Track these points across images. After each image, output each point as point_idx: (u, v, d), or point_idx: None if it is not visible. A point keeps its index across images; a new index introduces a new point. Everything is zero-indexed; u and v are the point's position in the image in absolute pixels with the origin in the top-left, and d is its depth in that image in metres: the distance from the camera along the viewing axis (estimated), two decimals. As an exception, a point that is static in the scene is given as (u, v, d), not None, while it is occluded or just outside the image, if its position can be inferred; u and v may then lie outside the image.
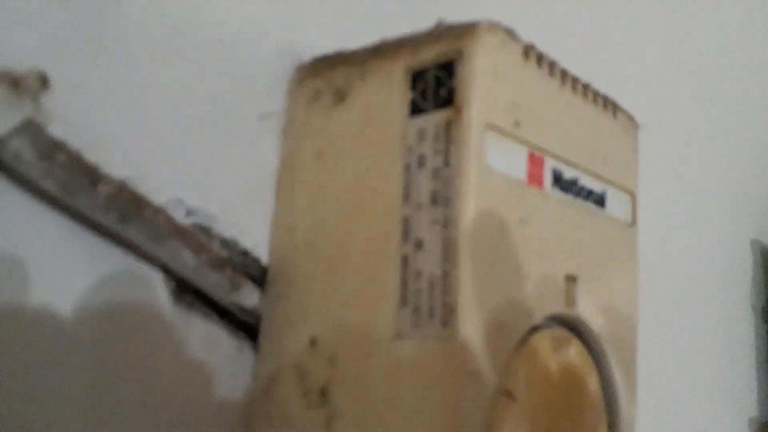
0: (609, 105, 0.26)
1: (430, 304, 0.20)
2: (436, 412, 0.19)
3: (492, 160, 0.20)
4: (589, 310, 0.24)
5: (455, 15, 0.31)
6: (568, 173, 0.24)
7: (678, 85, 0.53)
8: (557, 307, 0.23)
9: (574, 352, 0.24)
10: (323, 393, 0.22)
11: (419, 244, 0.20)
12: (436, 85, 0.21)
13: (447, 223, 0.20)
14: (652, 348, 0.46)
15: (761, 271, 0.70)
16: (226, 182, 0.25)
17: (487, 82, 0.20)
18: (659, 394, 0.48)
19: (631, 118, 0.28)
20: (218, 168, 0.24)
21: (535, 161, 0.22)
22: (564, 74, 0.24)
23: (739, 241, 0.66)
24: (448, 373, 0.19)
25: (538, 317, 0.22)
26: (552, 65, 0.23)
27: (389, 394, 0.20)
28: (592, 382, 0.24)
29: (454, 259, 0.19)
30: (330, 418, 0.21)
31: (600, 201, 0.25)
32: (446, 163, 0.20)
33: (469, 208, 0.20)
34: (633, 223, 0.27)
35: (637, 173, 0.28)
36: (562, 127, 0.24)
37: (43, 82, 0.18)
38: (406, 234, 0.21)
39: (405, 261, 0.20)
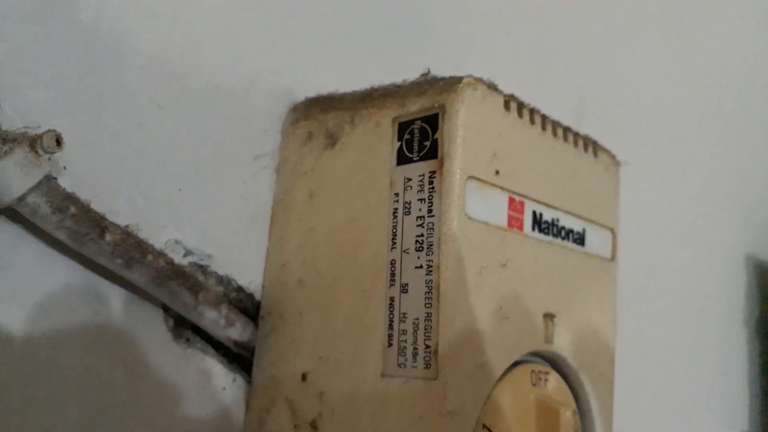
0: (590, 145, 0.28)
1: (414, 345, 0.22)
2: (419, 447, 0.21)
3: (472, 208, 0.22)
4: (567, 345, 0.26)
5: (446, 56, 0.33)
6: (548, 215, 0.26)
7: (673, 101, 0.55)
8: (536, 344, 0.25)
9: (553, 385, 0.26)
10: (313, 426, 0.24)
11: (405, 288, 0.22)
12: (421, 136, 0.23)
13: (430, 269, 0.22)
14: (645, 360, 0.48)
15: (755, 286, 0.72)
16: (221, 221, 0.27)
17: (468, 135, 0.22)
18: (651, 407, 0.50)
19: (612, 157, 0.30)
20: (214, 208, 0.26)
21: (515, 206, 0.24)
22: (544, 120, 0.26)
23: (733, 256, 0.68)
24: (430, 411, 0.21)
25: (517, 354, 0.24)
26: (532, 113, 0.25)
27: (376, 428, 0.22)
28: (570, 415, 0.26)
29: (437, 303, 0.21)
30: (320, 449, 0.23)
31: (579, 239, 0.27)
32: (429, 211, 0.22)
33: (450, 254, 0.22)
34: (613, 258, 0.29)
35: (617, 209, 0.30)
36: (543, 171, 0.26)
37: (58, 141, 0.20)
38: (392, 277, 0.23)
39: (391, 303, 0.22)
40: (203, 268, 0.26)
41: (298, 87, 0.29)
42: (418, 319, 0.22)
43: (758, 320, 0.73)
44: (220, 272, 0.26)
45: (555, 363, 0.26)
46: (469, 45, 0.38)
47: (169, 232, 0.25)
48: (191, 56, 0.26)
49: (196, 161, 0.26)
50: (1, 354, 0.21)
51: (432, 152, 0.23)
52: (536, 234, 0.25)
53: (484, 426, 0.22)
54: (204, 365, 0.26)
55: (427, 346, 0.21)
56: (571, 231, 0.27)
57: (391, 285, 0.23)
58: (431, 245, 0.22)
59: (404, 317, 0.22)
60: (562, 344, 0.26)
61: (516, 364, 0.24)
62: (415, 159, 0.23)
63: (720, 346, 0.65)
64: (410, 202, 0.23)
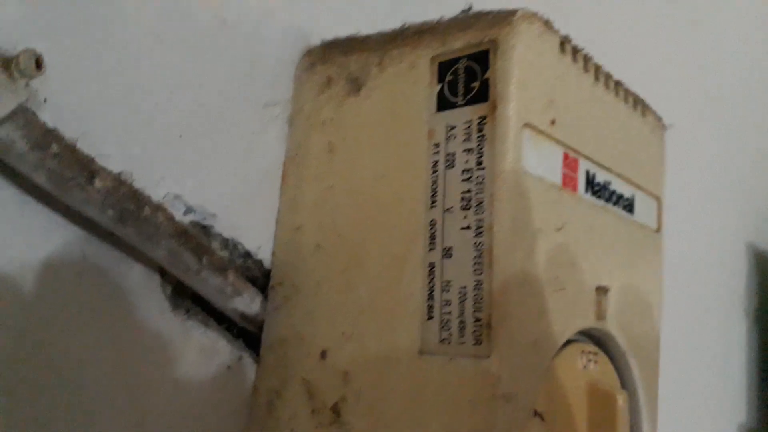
0: (639, 104, 0.26)
1: (460, 318, 0.19)
2: (464, 436, 0.18)
3: (528, 161, 0.19)
4: (618, 324, 0.23)
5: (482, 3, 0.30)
6: (601, 177, 0.23)
7: (677, 89, 0.53)
8: (588, 321, 0.22)
9: (602, 368, 0.23)
10: (335, 410, 0.20)
11: (448, 252, 0.19)
12: (467, 77, 0.20)
13: (480, 230, 0.19)
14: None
15: (755, 274, 0.71)
16: (227, 177, 0.23)
17: (524, 76, 0.19)
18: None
19: (659, 119, 0.27)
20: (219, 161, 0.23)
21: (569, 163, 0.21)
22: (598, 70, 0.23)
23: (734, 244, 0.67)
24: (481, 395, 0.18)
25: (571, 331, 0.21)
26: (587, 59, 0.22)
27: (411, 414, 0.19)
28: (618, 401, 0.23)
29: (489, 269, 0.18)
30: (343, 438, 0.20)
31: (629, 206, 0.25)
32: (479, 163, 0.19)
33: (506, 213, 0.19)
34: (659, 228, 0.27)
35: (663, 177, 0.27)
36: (596, 126, 0.23)
37: (38, 63, 0.16)
38: (432, 240, 0.20)
39: (431, 269, 0.19)
40: (206, 229, 0.22)
41: (315, 27, 0.25)
42: (465, 287, 0.19)
43: (757, 310, 0.71)
44: (226, 234, 0.23)
45: (603, 343, 0.23)
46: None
47: (167, 184, 0.21)
48: (195, -17, 0.22)
49: (198, 105, 0.22)
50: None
51: (481, 95, 0.20)
52: (589, 197, 0.22)
53: (536, 413, 0.19)
54: (206, 340, 0.22)
55: (477, 319, 0.18)
56: (622, 196, 0.24)
57: (431, 249, 0.19)
58: (481, 202, 0.19)
59: (447, 286, 0.19)
60: (614, 322, 0.23)
61: (566, 343, 0.21)
62: (459, 103, 0.20)
63: (719, 335, 0.63)
64: (454, 153, 0.20)
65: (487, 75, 0.20)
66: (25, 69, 0.16)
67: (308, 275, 0.22)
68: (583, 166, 0.22)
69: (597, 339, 0.23)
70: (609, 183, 0.23)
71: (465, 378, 0.18)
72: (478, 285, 0.18)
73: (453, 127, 0.20)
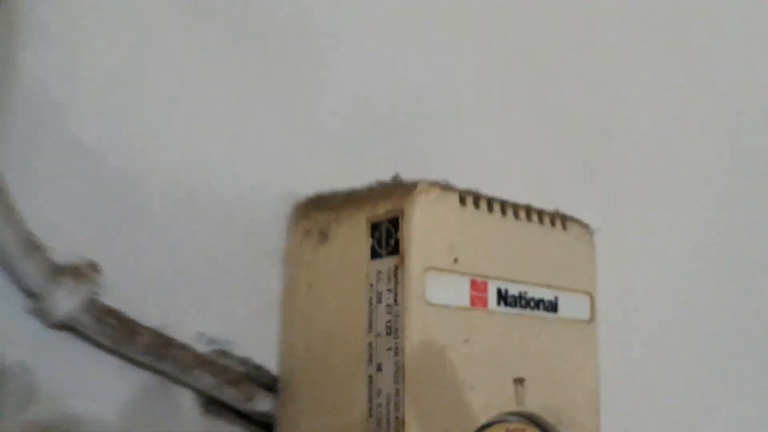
0: (557, 220, 0.32)
1: (387, 416, 0.26)
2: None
3: (432, 295, 0.27)
4: (539, 405, 0.29)
5: (431, 149, 0.38)
6: (514, 290, 0.30)
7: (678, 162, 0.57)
8: (508, 407, 0.28)
9: (531, 441, 0.29)
10: (318, 486, 0.28)
11: (380, 367, 0.27)
12: (387, 235, 0.28)
13: (397, 350, 0.26)
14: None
15: None
16: (239, 310, 0.32)
17: (424, 233, 0.27)
18: None
19: (584, 226, 0.33)
20: (232, 299, 0.32)
21: (478, 287, 0.28)
22: (504, 206, 0.30)
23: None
24: (399, 474, 0.25)
25: (486, 417, 0.27)
26: (490, 202, 0.29)
27: (363, 488, 0.26)
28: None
29: (402, 380, 0.26)
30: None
31: (552, 307, 0.31)
32: (395, 300, 0.27)
33: (413, 338, 0.26)
34: (591, 319, 0.33)
35: (593, 273, 0.33)
36: (505, 251, 0.30)
37: (96, 269, 0.26)
38: (370, 358, 0.27)
39: (370, 380, 0.27)
40: (225, 353, 0.31)
41: (301, 187, 0.34)
42: (390, 394, 0.26)
43: None
44: (240, 354, 0.32)
45: (535, 421, 0.30)
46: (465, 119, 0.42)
47: (194, 325, 0.30)
48: (203, 177, 0.32)
49: (213, 264, 0.31)
50: (62, 438, 0.27)
51: (396, 249, 0.27)
52: (502, 308, 0.29)
53: (455, 483, 0.26)
54: (231, 434, 0.31)
55: (396, 417, 0.26)
56: (542, 300, 0.31)
57: (369, 364, 0.27)
58: (397, 330, 0.26)
59: (379, 392, 0.26)
60: (535, 404, 0.29)
61: (492, 424, 0.28)
62: (384, 254, 0.28)
63: None
64: (381, 292, 0.27)
65: (398, 234, 0.27)
66: (87, 274, 0.26)
67: (299, 382, 0.30)
68: (494, 285, 0.29)
69: (530, 418, 0.30)
70: (525, 293, 0.30)
71: (391, 461, 0.25)
72: (397, 392, 0.26)
73: (380, 272, 0.28)
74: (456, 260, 0.28)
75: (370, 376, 0.27)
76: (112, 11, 0.30)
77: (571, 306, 0.32)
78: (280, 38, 0.35)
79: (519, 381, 0.29)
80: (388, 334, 0.27)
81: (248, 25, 0.34)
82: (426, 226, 0.27)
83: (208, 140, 0.32)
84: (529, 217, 0.31)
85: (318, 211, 0.32)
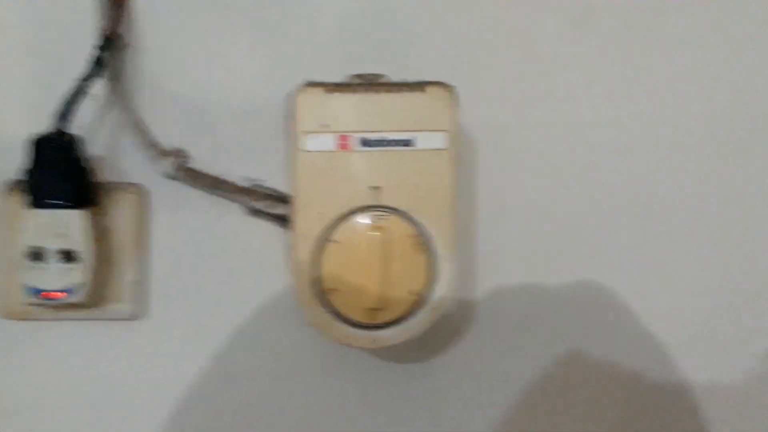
0: (417, 87, 0.51)
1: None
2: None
3: (307, 145, 0.50)
4: (396, 201, 0.50)
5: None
6: (375, 136, 0.50)
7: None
8: (368, 201, 0.50)
9: (392, 221, 0.51)
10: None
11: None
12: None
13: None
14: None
15: None
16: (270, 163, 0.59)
17: (303, 113, 0.50)
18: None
19: (444, 86, 0.51)
20: (265, 155, 0.59)
21: (343, 138, 0.50)
22: (368, 87, 0.50)
23: None
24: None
25: (349, 207, 0.50)
26: (352, 87, 0.50)
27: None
28: (411, 241, 0.50)
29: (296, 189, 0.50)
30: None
31: (409, 143, 0.51)
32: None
33: (299, 167, 0.50)
34: (449, 148, 0.51)
35: (453, 117, 0.51)
36: (367, 115, 0.50)
37: (184, 153, 0.56)
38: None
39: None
40: (260, 185, 0.59)
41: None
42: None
43: None
44: (269, 186, 0.59)
45: (394, 209, 0.51)
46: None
47: (242, 172, 0.59)
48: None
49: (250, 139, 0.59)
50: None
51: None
52: (365, 148, 0.50)
53: (329, 240, 0.50)
54: (267, 226, 0.59)
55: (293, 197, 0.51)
56: (400, 140, 0.51)
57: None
58: (294, 163, 0.51)
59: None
60: (392, 201, 0.50)
61: (359, 211, 0.50)
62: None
63: None
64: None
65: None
66: (179, 154, 0.56)
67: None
68: (357, 135, 0.50)
69: (388, 207, 0.51)
70: (385, 137, 0.50)
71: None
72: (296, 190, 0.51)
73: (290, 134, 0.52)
74: (327, 126, 0.50)
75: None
76: None
77: (428, 141, 0.51)
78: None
79: (375, 188, 0.50)
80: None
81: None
82: (303, 110, 0.50)
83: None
84: (389, 90, 0.50)
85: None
